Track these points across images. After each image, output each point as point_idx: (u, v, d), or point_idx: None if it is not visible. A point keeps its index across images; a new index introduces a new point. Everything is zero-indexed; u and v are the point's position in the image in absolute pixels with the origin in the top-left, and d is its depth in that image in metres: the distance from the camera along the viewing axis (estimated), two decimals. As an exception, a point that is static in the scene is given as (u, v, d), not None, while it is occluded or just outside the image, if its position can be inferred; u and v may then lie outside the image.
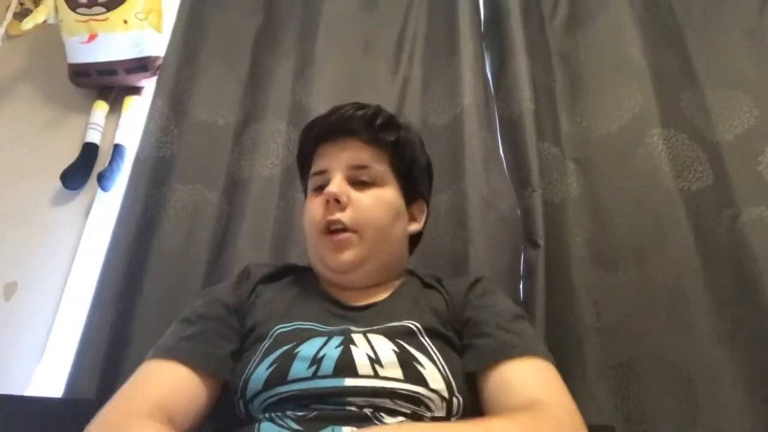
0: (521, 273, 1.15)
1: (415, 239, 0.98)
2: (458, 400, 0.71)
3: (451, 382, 0.71)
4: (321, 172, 0.90)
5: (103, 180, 1.33)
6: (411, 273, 0.95)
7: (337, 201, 0.84)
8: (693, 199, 1.14)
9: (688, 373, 0.99)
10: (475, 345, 0.76)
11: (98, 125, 1.43)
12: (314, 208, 0.88)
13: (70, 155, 1.39)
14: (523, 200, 1.20)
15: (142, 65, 1.43)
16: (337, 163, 0.89)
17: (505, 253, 1.15)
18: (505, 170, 1.26)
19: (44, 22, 1.43)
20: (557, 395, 0.69)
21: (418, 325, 0.77)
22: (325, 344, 0.73)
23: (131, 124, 1.43)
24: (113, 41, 1.40)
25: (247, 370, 0.73)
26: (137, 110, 1.45)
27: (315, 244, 0.88)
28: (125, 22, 1.39)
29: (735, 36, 1.31)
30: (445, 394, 0.70)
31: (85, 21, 1.38)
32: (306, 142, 0.96)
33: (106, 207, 1.36)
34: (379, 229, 0.86)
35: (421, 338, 0.76)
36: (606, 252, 1.14)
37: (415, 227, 0.95)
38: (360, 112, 0.90)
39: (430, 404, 0.69)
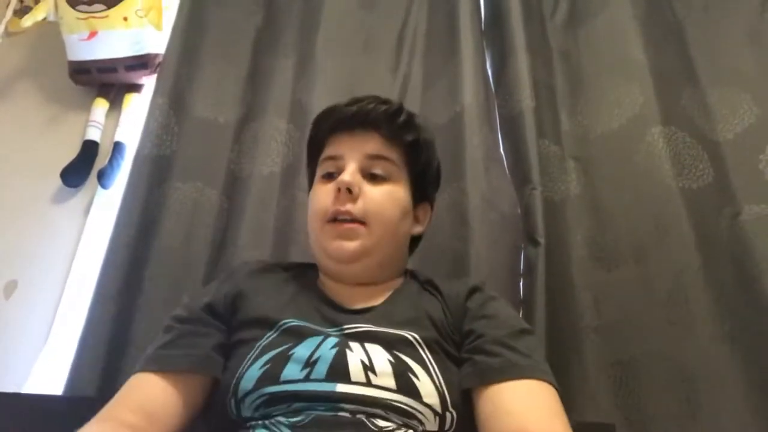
0: (521, 271, 1.15)
1: (415, 241, 0.96)
2: (452, 415, 0.69)
3: (445, 396, 0.69)
4: (334, 158, 0.88)
5: (103, 177, 1.33)
6: (409, 274, 0.93)
7: (349, 191, 0.82)
8: (693, 198, 1.14)
9: (688, 372, 1.00)
10: (475, 361, 0.73)
11: (98, 123, 1.43)
12: (323, 195, 0.85)
13: (70, 153, 1.39)
14: (524, 198, 1.20)
15: (142, 63, 1.42)
16: (353, 151, 0.86)
17: (505, 252, 1.15)
18: (506, 168, 1.26)
19: (44, 19, 1.43)
20: (553, 425, 0.66)
21: (417, 337, 0.75)
22: (320, 344, 0.72)
23: (131, 121, 1.43)
24: (113, 38, 1.40)
25: (241, 368, 0.72)
26: (137, 108, 1.45)
27: (319, 232, 0.85)
28: (125, 19, 1.38)
29: (736, 34, 1.31)
30: (438, 409, 0.68)
31: (85, 18, 1.38)
32: (320, 128, 0.93)
33: (106, 204, 1.36)
34: (388, 224, 0.84)
35: (420, 350, 0.73)
36: (606, 250, 1.14)
37: (418, 229, 0.94)
38: (383, 107, 0.88)
39: (422, 419, 0.68)
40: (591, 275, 1.13)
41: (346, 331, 0.75)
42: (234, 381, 0.71)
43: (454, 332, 0.79)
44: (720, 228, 1.12)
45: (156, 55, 1.43)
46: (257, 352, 0.73)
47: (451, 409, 0.69)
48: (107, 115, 1.46)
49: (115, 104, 1.48)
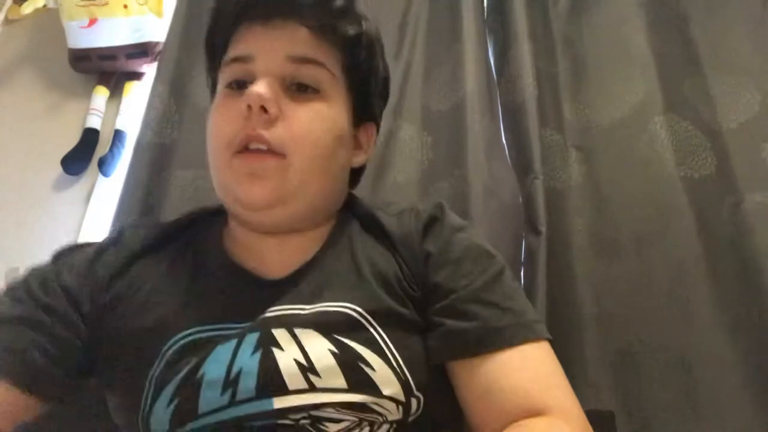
0: (522, 260, 1.15)
1: (357, 173, 0.78)
2: (417, 400, 0.57)
3: (408, 382, 0.57)
4: (243, 59, 0.65)
5: (103, 165, 1.33)
6: (348, 211, 0.73)
7: (264, 110, 0.61)
8: (696, 187, 1.13)
9: (689, 361, 1.00)
10: (447, 329, 0.59)
11: (99, 111, 1.43)
12: (228, 115, 0.63)
13: (70, 141, 1.38)
14: (525, 187, 1.19)
15: (142, 50, 1.42)
16: (270, 50, 0.64)
17: (506, 240, 1.15)
18: (507, 157, 1.26)
19: (44, 6, 1.42)
20: (562, 397, 0.57)
21: (361, 310, 0.58)
22: (236, 352, 0.56)
23: (132, 109, 1.43)
24: (113, 26, 1.39)
25: (141, 411, 0.56)
26: (138, 96, 1.45)
27: (222, 169, 0.65)
28: (125, 6, 1.38)
29: (740, 23, 1.30)
30: (402, 397, 0.56)
31: (85, 6, 1.37)
32: (222, 15, 0.70)
33: (107, 192, 1.35)
34: (316, 156, 0.64)
35: (367, 326, 0.58)
36: (608, 239, 1.14)
37: (361, 158, 0.75)
38: None
39: (382, 411, 0.55)
40: (592, 264, 1.12)
41: (268, 316, 0.59)
42: (141, 424, 0.56)
43: (414, 288, 0.63)
44: (722, 217, 1.11)
45: (156, 43, 1.42)
46: (155, 383, 0.56)
47: (416, 393, 0.57)
48: (108, 103, 1.45)
49: (116, 92, 1.47)
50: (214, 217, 0.75)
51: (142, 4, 1.39)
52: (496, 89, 1.34)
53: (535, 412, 0.54)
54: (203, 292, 0.64)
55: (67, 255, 0.68)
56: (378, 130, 0.80)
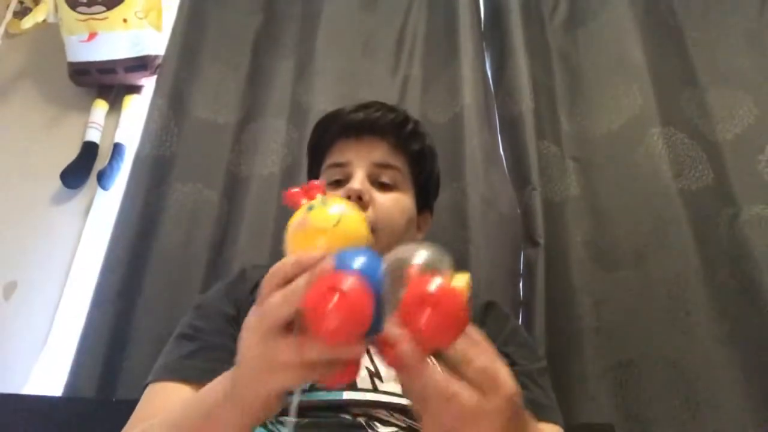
0: (521, 272, 1.15)
1: None
2: None
3: None
4: (341, 165, 0.86)
5: (103, 179, 1.33)
6: None
7: (360, 198, 0.80)
8: (693, 199, 1.14)
9: (688, 373, 1.00)
10: None
11: (98, 124, 1.43)
12: None
13: (69, 154, 1.39)
14: (523, 199, 1.20)
15: (141, 64, 1.42)
16: (361, 159, 0.85)
17: (504, 252, 1.15)
18: (505, 169, 1.26)
19: (44, 20, 1.43)
20: None
21: None
22: None
23: (131, 122, 1.43)
24: (113, 40, 1.40)
25: None
26: (137, 109, 1.45)
27: None
28: (125, 20, 1.38)
29: (735, 35, 1.31)
30: None
31: (85, 20, 1.38)
32: (325, 133, 0.91)
33: (106, 206, 1.36)
34: (395, 233, 0.82)
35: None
36: (606, 251, 1.14)
37: (420, 237, 0.94)
38: (391, 115, 0.88)
39: None
40: (590, 276, 1.13)
41: None
42: None
43: None
44: (719, 228, 1.12)
45: (156, 57, 1.43)
46: None
47: None
48: (107, 117, 1.46)
49: (115, 105, 1.47)
50: None
51: (141, 18, 1.40)
52: (493, 102, 1.35)
53: None
54: None
55: (206, 298, 0.83)
56: (432, 216, 0.98)
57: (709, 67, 1.29)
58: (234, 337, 0.70)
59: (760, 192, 1.13)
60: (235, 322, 0.77)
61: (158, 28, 1.43)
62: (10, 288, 1.29)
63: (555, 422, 0.72)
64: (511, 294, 1.12)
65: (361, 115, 0.88)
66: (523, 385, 0.68)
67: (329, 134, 0.90)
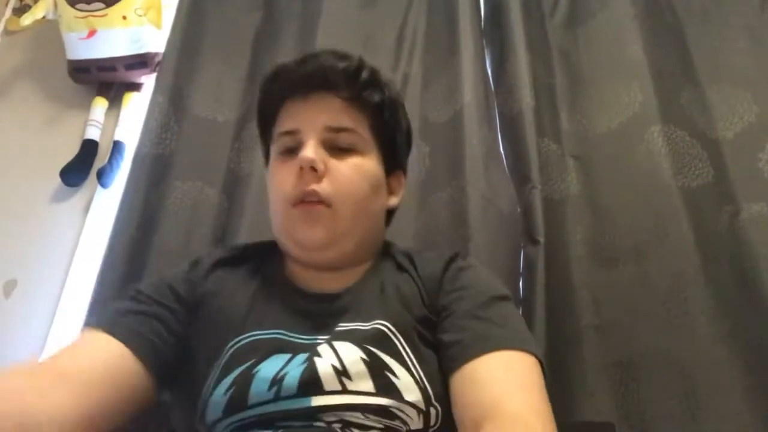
0: (521, 270, 1.15)
1: (390, 214, 0.89)
2: (436, 410, 0.65)
3: (428, 391, 0.64)
4: (291, 132, 0.78)
5: (102, 177, 1.33)
6: (386, 251, 0.85)
7: (313, 169, 0.73)
8: (693, 197, 1.13)
9: (688, 371, 0.99)
10: (446, 343, 0.68)
11: (98, 122, 1.43)
12: (284, 175, 0.76)
13: (69, 152, 1.39)
14: (523, 197, 1.20)
15: (141, 61, 1.42)
16: (312, 123, 0.77)
17: (504, 251, 1.15)
18: (505, 167, 1.26)
19: (43, 18, 1.43)
20: (528, 398, 0.61)
21: (389, 325, 0.68)
22: (288, 363, 0.66)
23: (131, 120, 1.43)
24: (112, 37, 1.40)
25: (204, 391, 0.67)
26: (137, 107, 1.45)
27: (283, 217, 0.77)
28: (124, 18, 1.38)
29: (735, 33, 1.31)
30: (422, 405, 0.64)
31: (84, 17, 1.38)
32: (270, 95, 0.83)
33: (105, 204, 1.36)
34: (358, 203, 0.76)
35: (394, 340, 0.67)
36: (606, 249, 1.14)
37: (393, 201, 0.87)
38: (342, 64, 0.78)
39: (405, 418, 0.63)
40: (590, 274, 1.12)
41: (318, 338, 0.70)
42: (201, 406, 0.67)
43: (433, 314, 0.73)
44: (719, 227, 1.12)
45: (155, 54, 1.43)
46: (219, 371, 0.68)
47: (435, 403, 0.64)
48: (107, 114, 1.46)
49: (115, 103, 1.48)
50: (274, 251, 0.85)
51: (141, 16, 1.40)
52: (493, 100, 1.34)
53: (492, 417, 0.58)
54: (268, 301, 0.76)
55: (163, 275, 0.81)
56: (405, 175, 0.91)
57: (709, 65, 1.29)
58: (179, 317, 0.74)
59: (760, 190, 1.13)
60: (185, 303, 0.76)
61: (158, 25, 1.42)
62: (10, 286, 1.29)
63: (511, 348, 0.64)
64: (511, 292, 1.11)
65: (308, 67, 0.78)
66: (459, 328, 0.68)
67: (275, 95, 0.82)
